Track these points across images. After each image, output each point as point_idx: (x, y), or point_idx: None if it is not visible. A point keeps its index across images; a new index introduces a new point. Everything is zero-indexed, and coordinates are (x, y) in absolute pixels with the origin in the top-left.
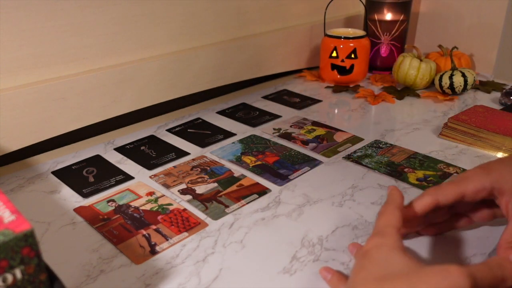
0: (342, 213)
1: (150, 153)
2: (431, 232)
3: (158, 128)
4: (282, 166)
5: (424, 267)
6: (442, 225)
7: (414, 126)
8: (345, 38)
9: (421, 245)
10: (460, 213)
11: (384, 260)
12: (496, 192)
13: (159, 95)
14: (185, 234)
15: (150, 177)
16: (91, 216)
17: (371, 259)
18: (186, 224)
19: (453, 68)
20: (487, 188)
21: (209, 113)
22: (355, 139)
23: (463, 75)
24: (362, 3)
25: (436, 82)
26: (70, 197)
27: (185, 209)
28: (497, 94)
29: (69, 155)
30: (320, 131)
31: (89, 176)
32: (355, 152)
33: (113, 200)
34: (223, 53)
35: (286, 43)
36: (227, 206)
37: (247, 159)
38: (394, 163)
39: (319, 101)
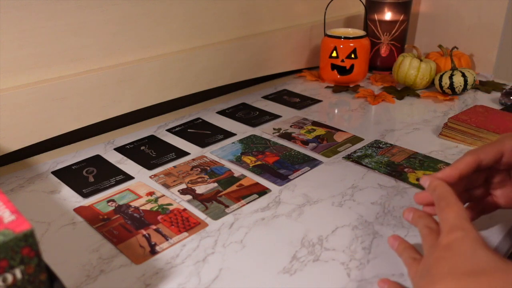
0: (342, 213)
1: (150, 153)
2: (469, 214)
3: (158, 128)
4: (282, 166)
5: None
6: (476, 206)
7: (414, 126)
8: (345, 38)
9: None
10: (490, 194)
11: (470, 254)
12: None
13: (159, 95)
14: (185, 234)
15: (150, 177)
16: (91, 216)
17: (455, 252)
18: (186, 224)
19: (453, 68)
20: None
21: (209, 113)
22: (355, 139)
23: (463, 75)
24: (362, 3)
25: (436, 82)
26: (70, 197)
27: (185, 209)
28: (497, 94)
29: (69, 155)
30: (320, 131)
31: (89, 176)
32: (355, 152)
33: (113, 200)
34: (223, 53)
35: (286, 43)
36: (227, 206)
37: (247, 159)
38: (394, 163)
39: (319, 101)
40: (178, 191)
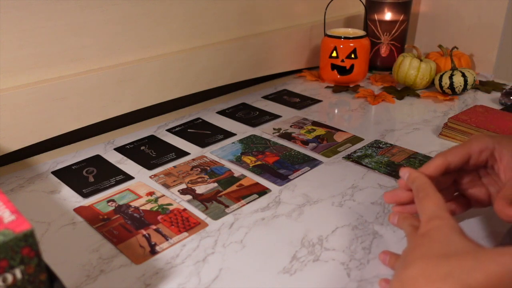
0: (342, 213)
1: (150, 153)
2: None
3: (158, 128)
4: (282, 166)
5: (489, 248)
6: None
7: (414, 126)
8: (345, 38)
9: None
10: (461, 195)
11: (445, 239)
12: (496, 154)
13: (159, 95)
14: (185, 234)
15: (150, 177)
16: (91, 216)
17: (431, 238)
18: (186, 224)
19: (453, 68)
20: (490, 148)
21: (209, 113)
22: (355, 139)
23: (463, 75)
24: (362, 3)
25: (436, 82)
26: (70, 197)
27: (185, 209)
28: (497, 94)
29: (69, 155)
30: (320, 131)
31: (89, 176)
32: (355, 152)
33: (113, 200)
34: (223, 53)
35: (286, 43)
36: (227, 206)
37: (247, 159)
38: (394, 163)
39: (319, 101)
40: (178, 191)
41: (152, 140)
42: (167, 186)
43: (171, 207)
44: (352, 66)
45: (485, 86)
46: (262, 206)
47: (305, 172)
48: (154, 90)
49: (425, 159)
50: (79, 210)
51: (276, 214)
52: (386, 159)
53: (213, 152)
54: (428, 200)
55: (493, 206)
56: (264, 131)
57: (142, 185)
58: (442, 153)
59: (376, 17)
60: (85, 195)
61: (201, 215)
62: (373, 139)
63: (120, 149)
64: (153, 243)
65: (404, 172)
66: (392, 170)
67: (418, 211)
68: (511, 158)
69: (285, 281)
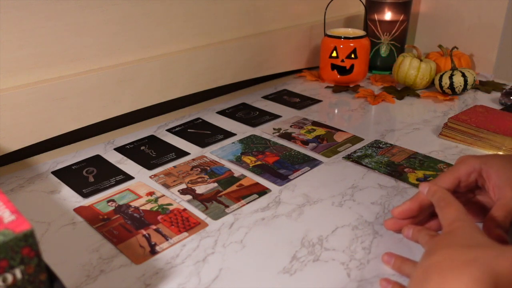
0: (342, 213)
1: (150, 153)
2: (434, 226)
3: (158, 128)
4: (282, 166)
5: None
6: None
7: (414, 126)
8: (345, 38)
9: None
10: None
11: (468, 235)
12: (484, 174)
13: (159, 95)
14: (185, 234)
15: (150, 177)
16: (91, 216)
17: (455, 234)
18: (186, 224)
19: (453, 68)
20: (477, 169)
21: (209, 113)
22: (355, 139)
23: (463, 75)
24: (362, 3)
25: (436, 82)
26: (70, 197)
27: (185, 209)
28: (497, 94)
29: (69, 155)
30: (320, 131)
31: (89, 176)
32: (355, 152)
33: (113, 200)
34: (223, 53)
35: (286, 43)
36: (227, 206)
37: (247, 159)
38: (394, 163)
39: (319, 101)
40: (178, 191)
41: (152, 140)
42: (167, 186)
43: (171, 207)
44: (352, 66)
45: (485, 86)
46: (262, 206)
47: (305, 172)
48: (154, 90)
49: (425, 159)
50: (79, 210)
51: (276, 214)
52: (386, 159)
53: (213, 152)
54: (450, 208)
55: (482, 227)
56: (264, 131)
57: (142, 185)
58: (432, 181)
59: (376, 17)
60: (85, 195)
61: (201, 215)
62: (373, 139)
63: (120, 149)
64: (153, 243)
65: (424, 187)
66: (392, 170)
67: (440, 220)
68: (498, 177)
69: (285, 281)
